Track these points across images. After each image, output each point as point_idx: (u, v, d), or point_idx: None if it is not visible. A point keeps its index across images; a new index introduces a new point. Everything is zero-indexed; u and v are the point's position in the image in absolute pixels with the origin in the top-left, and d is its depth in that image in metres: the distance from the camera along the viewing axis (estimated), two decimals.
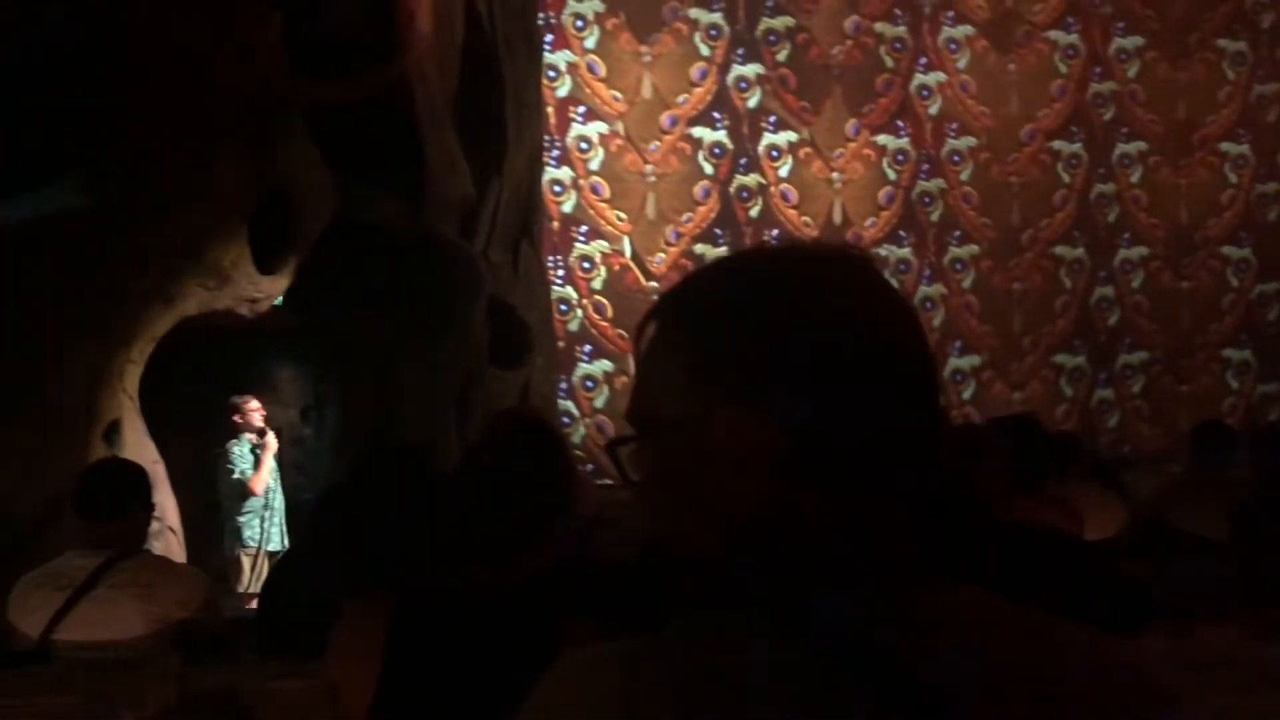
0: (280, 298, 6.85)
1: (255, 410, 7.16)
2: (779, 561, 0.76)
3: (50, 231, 5.26)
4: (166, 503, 5.79)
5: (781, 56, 12.13)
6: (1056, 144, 12.69)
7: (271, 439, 7.15)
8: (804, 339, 0.76)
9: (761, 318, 0.77)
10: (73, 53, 5.25)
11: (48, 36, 5.13)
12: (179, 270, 5.91)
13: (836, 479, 0.76)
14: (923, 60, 12.48)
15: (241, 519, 7.11)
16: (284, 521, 7.25)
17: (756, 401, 0.75)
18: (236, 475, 7.06)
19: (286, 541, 7.15)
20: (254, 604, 6.63)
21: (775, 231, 12.02)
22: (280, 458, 7.38)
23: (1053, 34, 12.73)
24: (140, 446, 5.78)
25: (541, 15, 10.80)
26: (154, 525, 3.95)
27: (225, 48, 5.60)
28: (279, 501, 7.25)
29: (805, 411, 0.75)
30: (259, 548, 7.09)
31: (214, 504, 7.12)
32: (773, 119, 12.11)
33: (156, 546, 4.89)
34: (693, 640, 0.74)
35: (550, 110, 11.24)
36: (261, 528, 7.10)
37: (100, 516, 3.03)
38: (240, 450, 7.09)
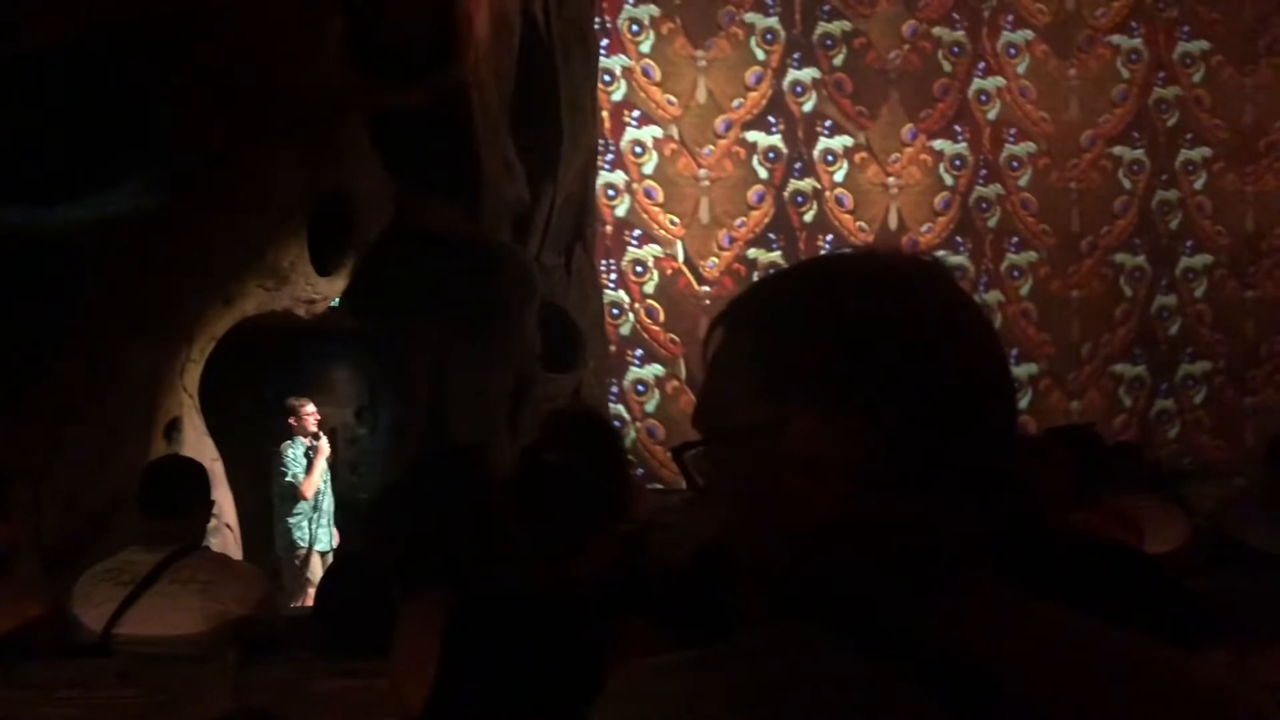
0: (337, 299, 6.93)
1: (311, 414, 7.25)
2: (854, 572, 0.75)
3: (115, 232, 5.36)
4: (224, 500, 5.88)
5: (838, 61, 12.07)
6: (1118, 150, 12.50)
7: (324, 444, 7.23)
8: (882, 346, 0.75)
9: (838, 325, 0.76)
10: (137, 57, 5.35)
11: (112, 41, 5.23)
12: (239, 271, 5.99)
13: (913, 489, 0.74)
14: (981, 65, 12.36)
15: (292, 519, 7.21)
16: (332, 521, 7.34)
17: (833, 409, 0.74)
18: (288, 478, 7.15)
19: (335, 541, 7.25)
20: (301, 603, 6.76)
21: (830, 237, 11.96)
22: (335, 457, 7.47)
23: (1115, 38, 12.54)
24: (199, 444, 5.87)
25: (597, 20, 10.84)
26: (211, 522, 4.00)
27: (287, 52, 5.68)
28: (328, 503, 7.33)
29: (882, 420, 0.74)
30: (308, 547, 7.18)
31: (268, 502, 7.23)
32: (828, 123, 12.05)
33: (213, 543, 4.96)
34: (766, 651, 0.73)
35: (605, 114, 11.27)
36: (309, 528, 7.19)
37: (162, 513, 3.08)
38: (294, 453, 7.18)
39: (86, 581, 3.08)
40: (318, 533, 7.24)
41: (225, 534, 5.94)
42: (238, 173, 5.72)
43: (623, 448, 1.87)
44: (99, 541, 4.46)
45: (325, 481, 7.32)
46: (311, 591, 6.88)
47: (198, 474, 3.29)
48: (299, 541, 7.19)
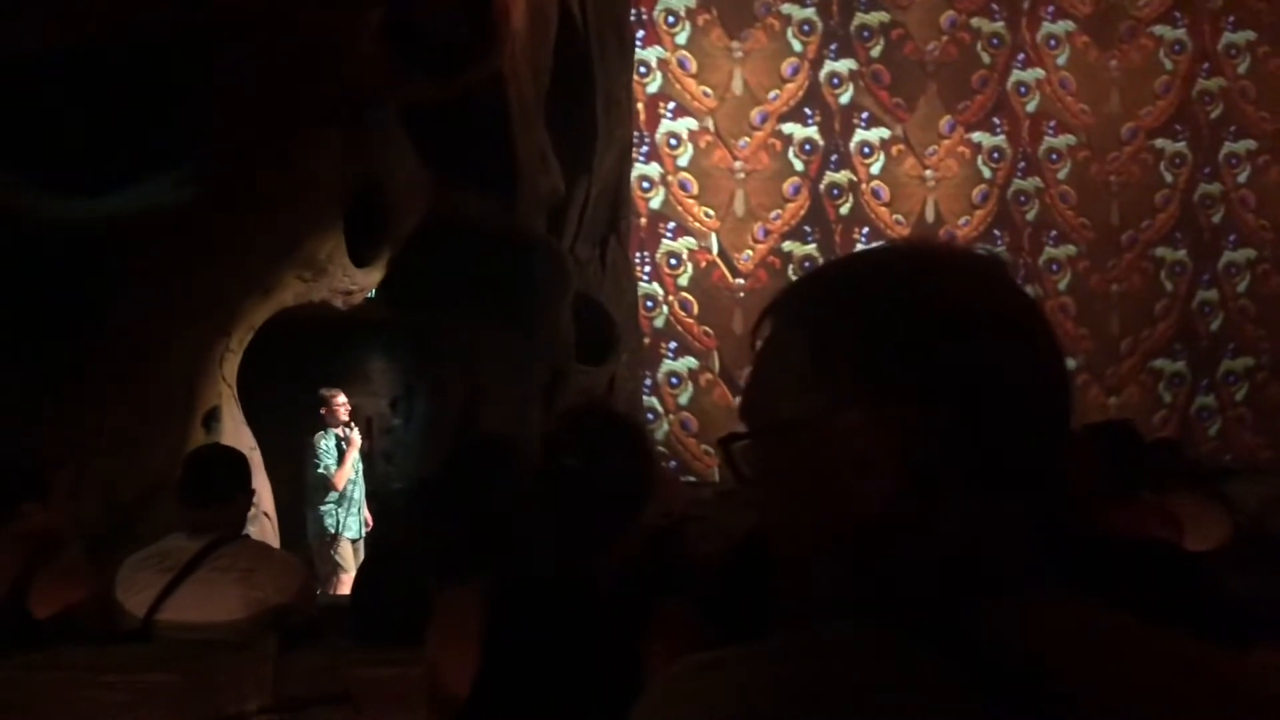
0: (374, 290, 6.97)
1: (342, 405, 7.30)
2: (901, 569, 0.73)
3: (156, 224, 5.42)
4: (262, 488, 5.94)
5: (875, 52, 11.99)
6: (1159, 142, 12.34)
7: (355, 434, 7.28)
8: (932, 341, 0.73)
9: (888, 318, 0.74)
10: (178, 50, 5.40)
11: (154, 33, 5.28)
12: (277, 262, 6.04)
13: (962, 486, 0.73)
14: (1021, 56, 12.24)
15: (323, 508, 7.27)
16: (362, 510, 7.40)
17: (882, 404, 0.73)
18: (320, 470, 7.21)
19: (364, 529, 7.31)
20: (332, 588, 6.82)
21: (865, 230, 11.90)
22: (370, 447, 7.51)
23: (1158, 29, 12.38)
24: (238, 433, 5.93)
25: (633, 11, 10.83)
26: (250, 510, 4.05)
27: (326, 45, 5.71)
28: (359, 492, 7.39)
29: (932, 415, 0.72)
30: (336, 534, 7.25)
31: (301, 491, 7.30)
32: (865, 115, 11.98)
33: (252, 530, 5.01)
34: (812, 650, 0.72)
35: (640, 106, 11.26)
36: (339, 516, 7.27)
37: (203, 501, 3.12)
38: (326, 444, 7.24)
39: (129, 568, 3.12)
40: (347, 520, 7.30)
41: (263, 522, 6.01)
42: (275, 165, 5.77)
43: (646, 447, 1.86)
44: (139, 528, 4.53)
45: (356, 471, 7.38)
46: (341, 576, 6.97)
47: (238, 462, 3.33)
48: (329, 529, 7.27)
